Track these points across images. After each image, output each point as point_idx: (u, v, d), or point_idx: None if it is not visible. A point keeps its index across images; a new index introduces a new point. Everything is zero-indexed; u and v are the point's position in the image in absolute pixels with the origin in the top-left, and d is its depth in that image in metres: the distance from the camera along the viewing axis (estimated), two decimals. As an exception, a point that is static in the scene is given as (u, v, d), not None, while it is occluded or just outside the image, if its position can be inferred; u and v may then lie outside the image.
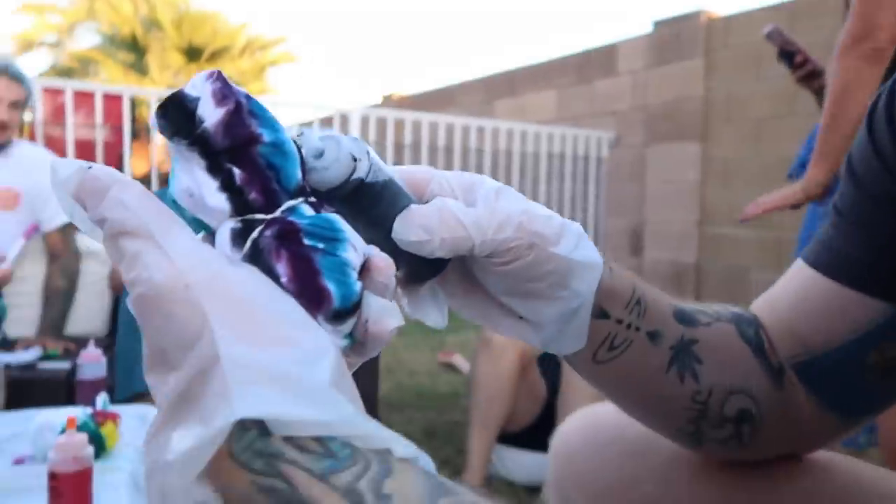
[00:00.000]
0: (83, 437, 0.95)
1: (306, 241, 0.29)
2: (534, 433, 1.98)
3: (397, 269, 0.36)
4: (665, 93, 5.10)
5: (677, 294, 0.49)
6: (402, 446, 0.25)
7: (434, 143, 4.89)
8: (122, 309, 1.81)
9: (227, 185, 0.29)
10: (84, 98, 3.85)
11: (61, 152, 3.53)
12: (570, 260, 0.40)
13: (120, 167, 3.84)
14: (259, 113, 0.30)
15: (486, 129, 5.04)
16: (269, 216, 0.29)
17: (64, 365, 1.94)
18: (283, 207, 0.30)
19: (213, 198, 0.29)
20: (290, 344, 0.26)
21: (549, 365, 2.04)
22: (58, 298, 2.21)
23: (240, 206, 0.29)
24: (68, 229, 2.27)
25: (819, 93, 1.94)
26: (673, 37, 5.02)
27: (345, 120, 4.61)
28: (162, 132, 0.29)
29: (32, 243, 2.24)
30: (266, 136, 0.30)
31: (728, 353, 0.49)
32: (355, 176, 0.34)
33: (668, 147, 5.09)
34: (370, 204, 0.35)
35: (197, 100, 0.29)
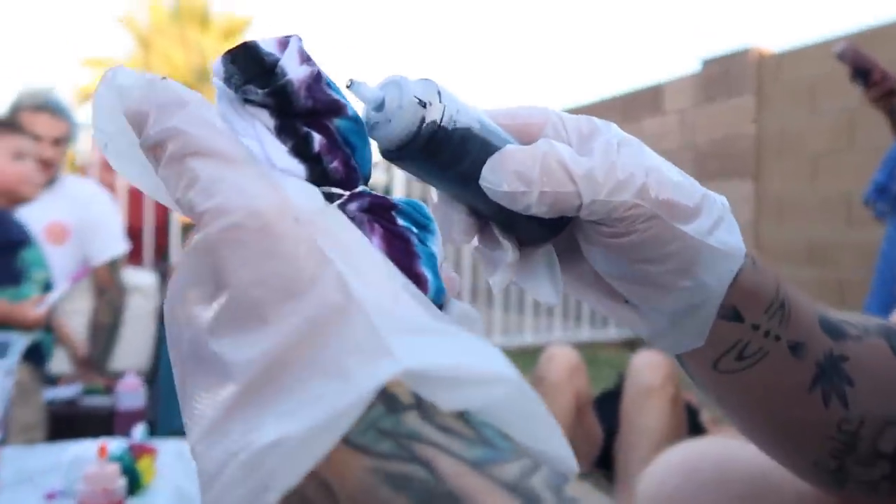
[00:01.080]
0: (114, 467, 0.88)
1: (400, 222, 0.26)
2: (591, 479, 1.85)
3: (501, 228, 0.30)
4: (714, 130, 5.00)
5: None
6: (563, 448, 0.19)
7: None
8: (165, 342, 1.78)
9: (301, 151, 0.25)
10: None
11: (112, 194, 3.60)
12: (701, 243, 0.31)
13: (168, 210, 3.89)
14: (336, 88, 0.27)
15: (530, 169, 4.99)
16: (351, 191, 0.26)
17: (106, 400, 1.91)
18: (361, 189, 0.26)
19: (284, 160, 0.25)
20: (423, 304, 0.20)
21: (606, 405, 1.93)
22: (103, 333, 2.20)
23: (316, 174, 0.25)
24: (116, 264, 2.27)
25: (894, 113, 1.83)
26: (721, 74, 4.94)
27: (389, 165, 4.61)
28: (226, 79, 0.25)
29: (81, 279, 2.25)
30: (349, 110, 0.26)
31: (883, 375, 0.40)
32: (427, 122, 0.27)
33: (720, 185, 4.95)
34: (453, 156, 0.28)
35: (274, 55, 0.25)
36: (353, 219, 0.25)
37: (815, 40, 4.40)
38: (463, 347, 0.19)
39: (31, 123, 1.98)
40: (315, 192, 0.23)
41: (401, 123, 0.27)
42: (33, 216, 1.92)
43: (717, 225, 0.32)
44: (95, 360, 2.15)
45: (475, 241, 0.33)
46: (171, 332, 0.21)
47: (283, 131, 0.25)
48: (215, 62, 0.26)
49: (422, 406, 0.19)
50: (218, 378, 0.20)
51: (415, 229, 0.26)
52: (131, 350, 2.34)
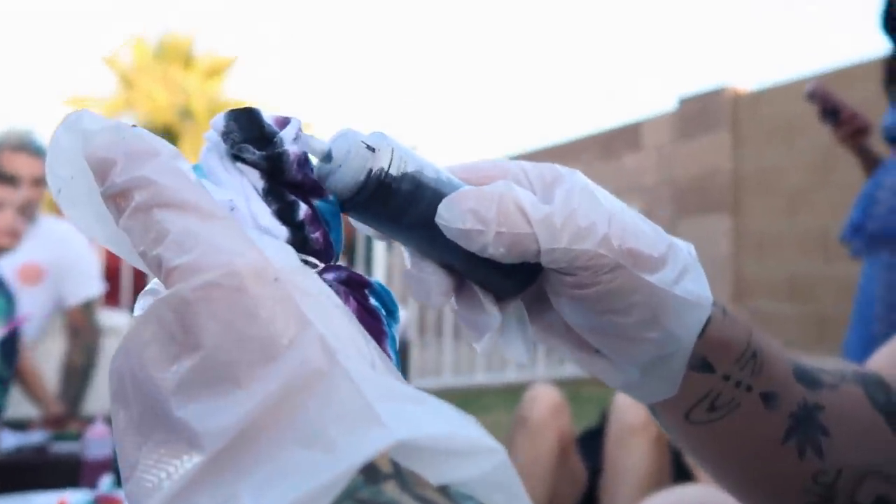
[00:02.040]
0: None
1: (372, 300, 0.26)
2: (575, 522, 1.82)
3: (473, 281, 0.29)
4: (692, 166, 5.08)
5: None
6: None
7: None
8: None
9: (285, 216, 0.26)
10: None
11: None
12: (667, 293, 0.31)
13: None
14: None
15: (512, 206, 5.03)
16: (326, 264, 0.27)
17: (77, 447, 1.85)
18: (335, 263, 0.27)
19: (267, 220, 0.26)
20: (395, 374, 0.20)
21: (590, 444, 1.90)
22: (76, 376, 2.16)
23: (297, 241, 0.26)
24: (91, 305, 2.23)
25: (863, 152, 1.87)
26: (698, 112, 5.04)
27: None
28: (224, 133, 0.26)
29: (53, 319, 2.20)
30: (327, 195, 0.28)
31: (859, 424, 0.39)
32: (376, 168, 0.27)
33: (699, 220, 5.01)
34: (407, 202, 0.28)
35: (273, 127, 0.27)
36: (330, 286, 0.25)
37: (788, 79, 4.51)
38: (447, 417, 0.19)
39: (10, 164, 1.96)
40: (291, 252, 0.23)
41: (350, 169, 0.27)
42: (8, 257, 1.89)
43: (683, 275, 0.32)
44: (68, 403, 2.09)
45: (454, 304, 0.32)
46: (121, 390, 0.20)
47: (270, 194, 0.26)
48: (216, 117, 0.26)
49: (400, 475, 0.18)
50: (182, 445, 0.18)
51: (383, 311, 0.26)
52: (105, 393, 2.29)
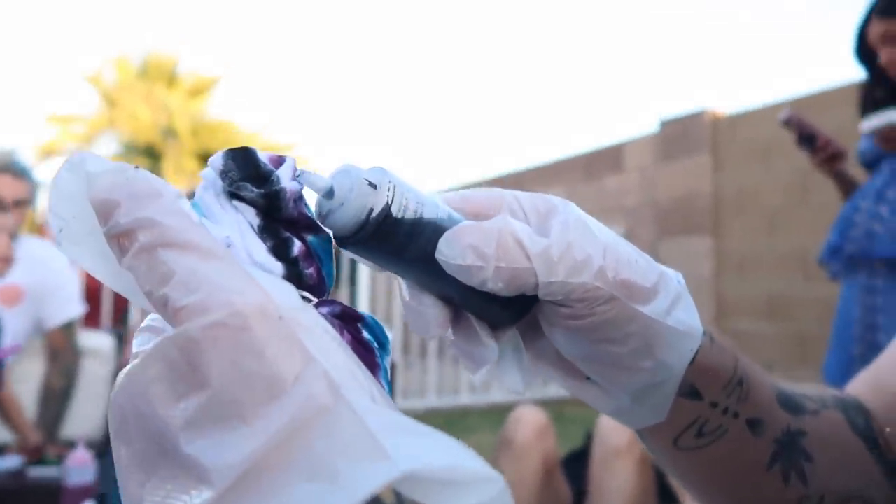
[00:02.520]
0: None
1: (365, 334, 0.27)
2: (561, 545, 1.81)
3: (470, 312, 0.30)
4: (674, 188, 5.14)
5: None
6: None
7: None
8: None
9: (280, 253, 0.27)
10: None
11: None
12: (660, 324, 0.31)
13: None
14: (311, 210, 0.29)
15: (496, 226, 5.05)
16: (320, 299, 0.28)
17: (55, 472, 1.82)
18: (328, 298, 0.28)
19: (263, 256, 0.26)
20: (393, 408, 0.21)
21: (574, 466, 1.90)
22: (55, 399, 2.12)
23: (292, 277, 0.27)
24: (71, 326, 2.20)
25: (839, 176, 1.90)
26: (679, 134, 5.12)
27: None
28: (222, 172, 0.27)
29: (32, 341, 2.17)
30: (321, 231, 0.29)
31: (841, 450, 0.40)
32: (378, 207, 0.27)
33: (681, 241, 5.07)
34: (408, 237, 0.28)
35: (269, 165, 0.27)
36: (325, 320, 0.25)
37: (765, 103, 4.60)
38: (448, 448, 0.19)
39: None
40: (292, 290, 0.23)
41: (353, 207, 0.27)
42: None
43: (675, 305, 0.32)
44: (46, 427, 2.06)
45: (450, 335, 0.33)
46: (124, 426, 0.20)
47: (265, 231, 0.27)
48: (214, 156, 0.27)
49: None
50: (191, 481, 0.19)
51: (375, 344, 0.27)
52: (85, 417, 2.25)
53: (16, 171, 2.06)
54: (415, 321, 0.31)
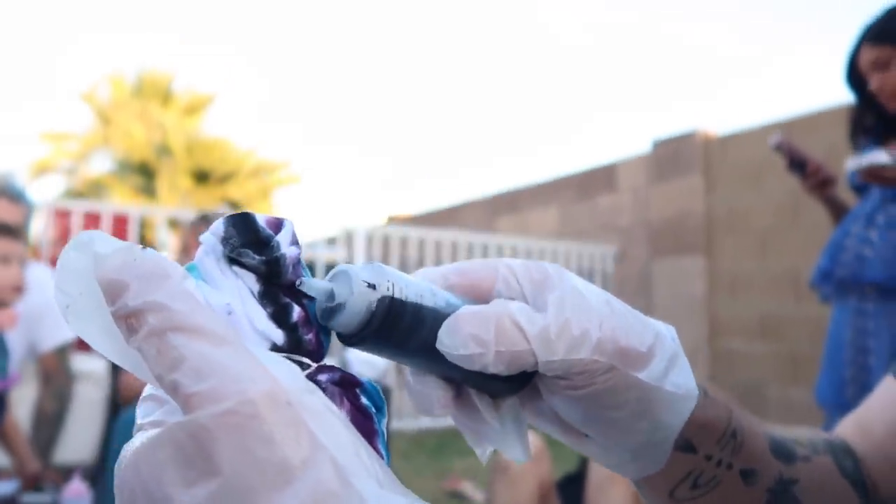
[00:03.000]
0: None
1: (363, 400, 0.27)
2: (556, 570, 1.80)
3: (471, 387, 0.31)
4: (666, 208, 5.17)
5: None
6: None
7: (439, 261, 4.89)
8: (114, 436, 1.70)
9: (280, 318, 0.27)
10: (92, 220, 3.90)
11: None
12: (658, 389, 0.32)
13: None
14: (307, 273, 0.30)
15: (490, 246, 5.06)
16: (318, 363, 0.28)
17: (48, 498, 1.80)
18: (327, 362, 0.28)
19: (263, 323, 0.27)
20: (396, 484, 0.21)
21: (570, 490, 1.90)
22: (48, 423, 2.10)
23: (291, 342, 0.27)
24: (64, 350, 2.19)
25: (830, 201, 1.93)
26: (671, 155, 5.16)
27: (350, 238, 4.64)
28: (224, 238, 0.27)
29: (26, 365, 2.16)
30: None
31: (831, 495, 0.41)
32: (379, 304, 0.28)
33: (674, 261, 5.09)
34: (409, 330, 0.29)
35: (268, 230, 0.28)
36: (324, 390, 0.26)
37: (755, 125, 4.65)
38: None
39: None
40: (297, 371, 0.23)
41: (355, 308, 0.28)
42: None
43: (671, 367, 0.33)
44: (39, 451, 2.04)
45: (453, 413, 0.33)
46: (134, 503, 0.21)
47: (266, 297, 0.27)
48: (216, 222, 0.27)
49: None
50: None
51: (373, 409, 0.27)
52: (78, 441, 2.23)
53: (11, 195, 2.06)
54: (419, 402, 0.32)
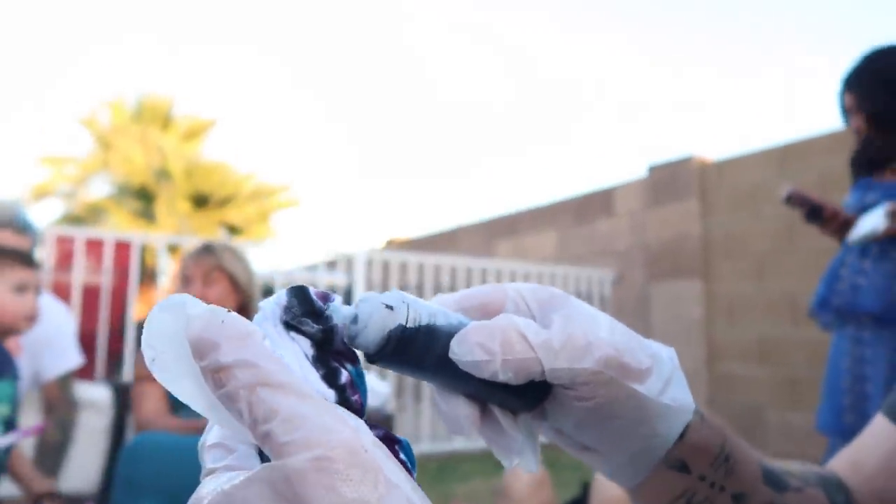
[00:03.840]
0: None
1: (402, 456, 0.30)
2: None
3: (493, 404, 0.33)
4: (663, 232, 5.21)
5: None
6: None
7: (438, 285, 4.91)
8: (119, 465, 1.71)
9: (330, 380, 0.30)
10: (94, 246, 3.92)
11: (67, 297, 3.53)
12: (656, 403, 0.35)
13: (123, 311, 3.82)
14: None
15: (488, 270, 5.08)
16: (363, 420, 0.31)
17: (52, 527, 1.80)
18: (368, 422, 0.31)
19: (318, 384, 0.30)
20: None
21: (571, 519, 1.91)
22: (51, 453, 2.10)
23: (341, 401, 0.30)
24: (67, 379, 2.20)
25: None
26: (668, 179, 5.21)
27: (349, 263, 4.66)
28: (287, 307, 0.31)
29: (29, 394, 2.16)
30: (359, 362, 0.33)
31: None
32: (395, 324, 0.32)
33: (671, 285, 5.11)
34: (425, 347, 0.33)
35: (318, 301, 0.32)
36: None
37: (751, 150, 4.70)
38: None
39: None
40: (364, 425, 0.26)
41: (375, 328, 0.31)
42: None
43: (668, 384, 0.36)
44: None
45: (479, 429, 0.36)
46: None
47: (318, 361, 0.31)
48: (278, 293, 0.31)
49: None
50: None
51: (408, 464, 0.30)
52: (82, 470, 2.23)
53: (18, 225, 2.08)
54: (449, 422, 0.35)
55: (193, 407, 0.28)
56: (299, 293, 0.31)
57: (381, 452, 0.25)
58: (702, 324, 4.84)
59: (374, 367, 4.91)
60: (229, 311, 0.27)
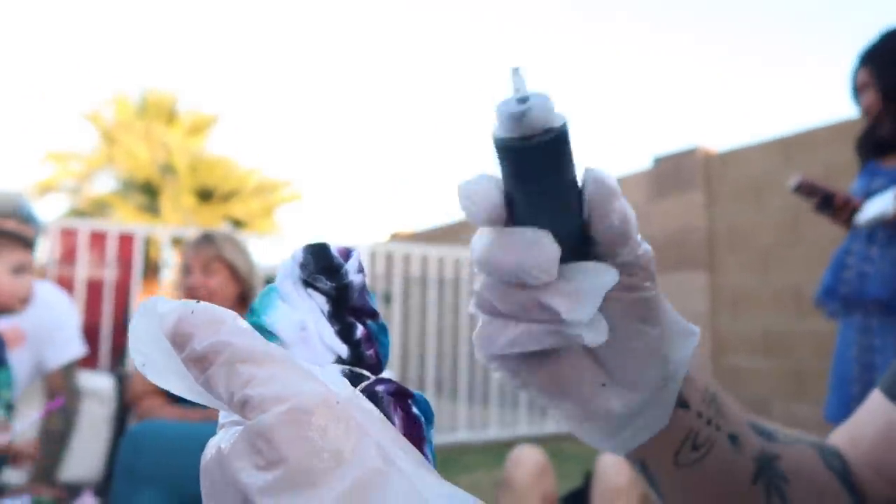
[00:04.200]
0: None
1: (414, 410, 0.31)
2: (562, 587, 1.80)
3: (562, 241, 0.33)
4: (668, 224, 5.19)
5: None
6: None
7: (442, 277, 4.91)
8: (119, 453, 1.71)
9: (345, 336, 0.31)
10: (98, 238, 3.92)
11: (71, 290, 3.54)
12: (676, 315, 0.36)
13: (127, 304, 3.83)
14: (373, 297, 0.34)
15: (492, 263, 5.08)
16: (377, 376, 0.31)
17: (55, 515, 1.81)
18: (387, 376, 0.32)
19: (331, 339, 0.31)
20: (436, 475, 0.25)
21: (574, 508, 1.90)
22: (54, 442, 2.11)
23: (354, 356, 0.31)
24: (70, 368, 2.20)
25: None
26: (672, 171, 5.19)
27: (353, 255, 4.66)
28: (302, 264, 0.32)
29: (33, 384, 2.17)
30: (379, 318, 0.34)
31: (815, 482, 0.43)
32: (561, 122, 0.31)
33: (677, 277, 5.10)
34: (567, 161, 0.32)
35: (339, 259, 0.32)
36: (381, 398, 0.30)
37: (756, 141, 4.68)
38: None
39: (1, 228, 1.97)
40: (346, 383, 0.28)
41: (537, 115, 0.30)
42: (-11, 321, 1.88)
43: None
44: (45, 470, 2.05)
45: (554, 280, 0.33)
46: (212, 487, 0.25)
47: (334, 317, 0.32)
48: (295, 250, 0.32)
49: None
50: None
51: (422, 419, 0.31)
52: (84, 459, 2.24)
53: (21, 216, 2.08)
54: (531, 254, 0.32)
55: (188, 398, 0.29)
56: (317, 250, 0.32)
57: (361, 405, 0.26)
58: (707, 316, 4.82)
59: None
60: (199, 301, 0.28)
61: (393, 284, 4.77)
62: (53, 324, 2.19)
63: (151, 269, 4.12)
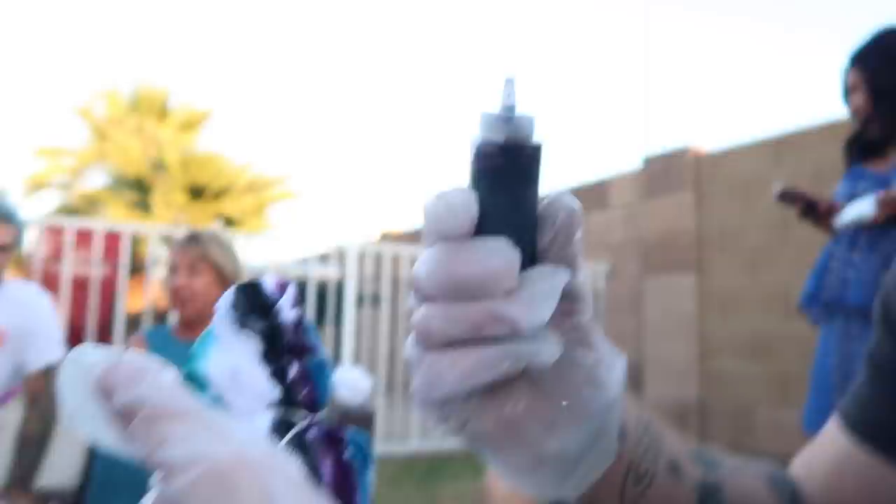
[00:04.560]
0: None
1: (345, 456, 0.31)
2: None
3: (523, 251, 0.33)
4: (657, 225, 5.19)
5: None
6: None
7: (431, 277, 4.89)
8: (96, 463, 1.69)
9: (279, 377, 0.32)
10: (85, 237, 3.90)
11: (56, 288, 3.51)
12: (601, 338, 0.36)
13: (113, 303, 3.81)
14: (311, 331, 0.34)
15: (482, 263, 5.07)
16: (312, 418, 0.32)
17: (30, 523, 1.78)
18: (319, 417, 0.32)
19: (262, 384, 0.31)
20: None
21: (556, 515, 1.89)
22: (31, 446, 2.09)
23: (287, 398, 0.31)
24: (51, 370, 2.18)
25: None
26: (662, 171, 5.19)
27: (342, 255, 4.64)
28: (233, 304, 0.32)
29: (12, 385, 2.14)
30: (318, 353, 0.33)
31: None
32: (537, 141, 0.32)
33: (665, 278, 5.10)
34: (538, 177, 0.33)
35: (273, 296, 0.33)
36: (310, 445, 0.30)
37: (746, 142, 4.68)
38: None
39: None
40: (261, 439, 0.28)
41: (529, 123, 0.32)
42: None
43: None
44: (21, 476, 2.02)
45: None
46: None
47: (266, 357, 0.32)
48: (228, 292, 0.32)
49: None
50: None
51: (357, 463, 0.31)
52: (61, 465, 2.22)
53: (3, 214, 2.06)
54: (495, 261, 0.32)
55: (113, 449, 0.29)
56: (247, 289, 0.32)
57: (274, 464, 0.25)
58: (695, 318, 4.83)
59: (360, 363, 4.91)
60: (127, 349, 0.28)
61: (381, 286, 4.75)
62: (35, 325, 2.17)
63: (139, 268, 4.09)
